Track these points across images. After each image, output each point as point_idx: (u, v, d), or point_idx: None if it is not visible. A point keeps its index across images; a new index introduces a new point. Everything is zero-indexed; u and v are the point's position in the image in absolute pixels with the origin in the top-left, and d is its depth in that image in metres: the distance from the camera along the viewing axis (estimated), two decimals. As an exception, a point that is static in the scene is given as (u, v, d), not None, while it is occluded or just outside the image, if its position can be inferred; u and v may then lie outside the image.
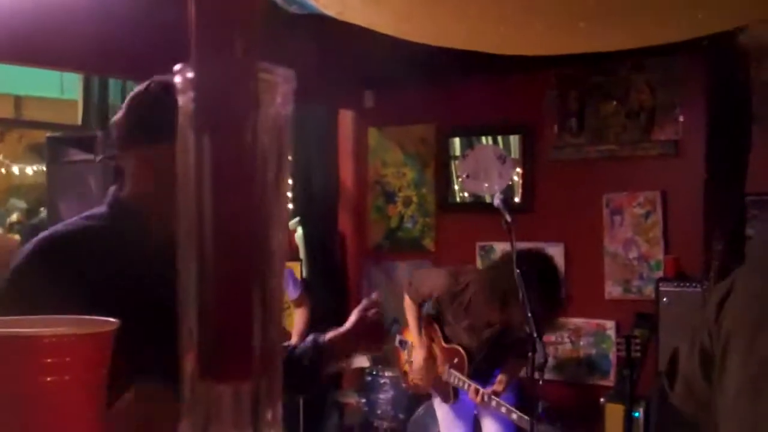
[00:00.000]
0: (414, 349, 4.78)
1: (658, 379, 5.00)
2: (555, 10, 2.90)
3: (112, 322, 0.87)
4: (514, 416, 4.40)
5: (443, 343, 4.72)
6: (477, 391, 4.52)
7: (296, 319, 5.58)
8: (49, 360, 0.79)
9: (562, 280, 4.41)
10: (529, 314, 3.69)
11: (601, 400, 5.24)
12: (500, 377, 4.59)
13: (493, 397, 4.50)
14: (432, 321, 4.75)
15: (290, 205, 6.83)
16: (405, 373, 4.94)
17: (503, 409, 4.47)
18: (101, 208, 1.94)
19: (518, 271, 3.81)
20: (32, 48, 4.93)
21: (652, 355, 5.00)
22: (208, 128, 0.52)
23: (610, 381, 5.78)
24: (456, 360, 4.64)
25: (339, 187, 6.93)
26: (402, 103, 6.67)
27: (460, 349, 4.62)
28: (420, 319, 4.72)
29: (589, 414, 5.47)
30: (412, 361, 4.80)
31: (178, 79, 0.54)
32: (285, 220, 0.58)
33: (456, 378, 4.63)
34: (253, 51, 0.53)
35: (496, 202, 4.24)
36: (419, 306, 4.72)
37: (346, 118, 6.97)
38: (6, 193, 11.22)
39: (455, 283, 4.55)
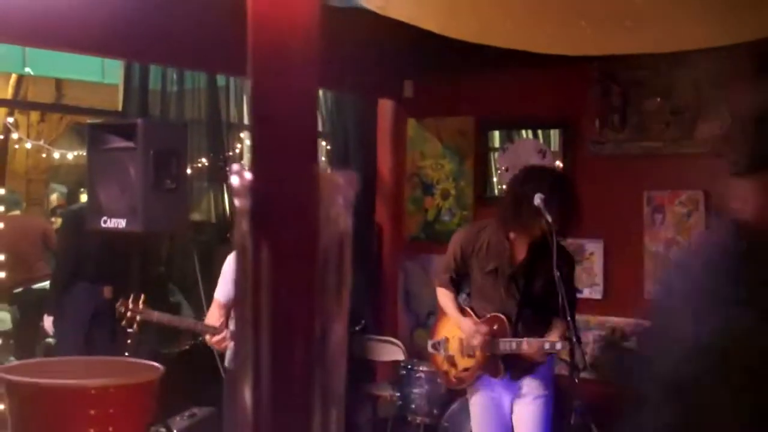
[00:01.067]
0: (453, 339, 4.64)
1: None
2: (602, 10, 2.85)
3: (157, 368, 0.85)
4: (578, 354, 4.21)
5: (477, 318, 4.56)
6: (531, 345, 4.33)
7: None
8: (93, 412, 0.77)
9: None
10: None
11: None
12: (552, 330, 4.41)
13: (553, 341, 4.32)
14: (464, 309, 4.65)
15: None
16: (446, 373, 4.73)
17: (564, 353, 4.37)
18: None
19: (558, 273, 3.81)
20: (74, 34, 4.96)
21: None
22: (268, 234, 0.50)
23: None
24: (497, 326, 4.45)
25: (376, 178, 6.90)
26: (442, 94, 6.62)
27: (498, 314, 4.46)
28: (455, 300, 4.67)
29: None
30: (451, 355, 4.65)
31: (235, 181, 0.52)
32: (345, 319, 0.55)
33: (504, 344, 4.41)
34: (313, 154, 0.50)
35: (537, 201, 4.21)
36: (451, 289, 4.66)
37: (385, 108, 6.93)
38: (46, 173, 11.33)
39: (470, 231, 4.65)
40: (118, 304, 4.76)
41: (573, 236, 4.97)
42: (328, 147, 6.84)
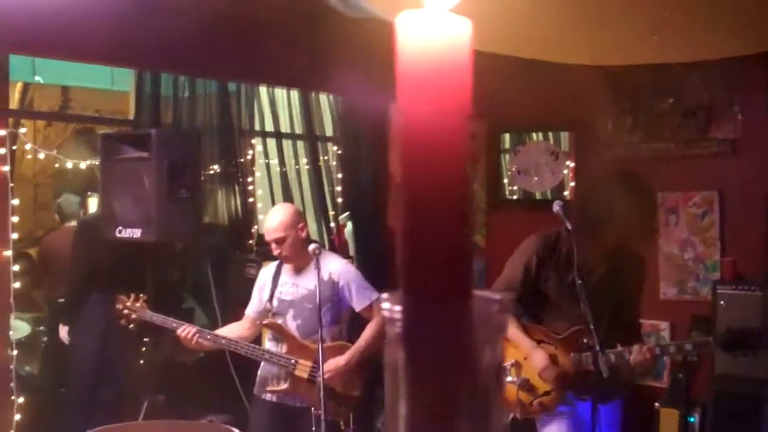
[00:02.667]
0: (523, 363, 4.16)
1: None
2: (626, 22, 2.84)
3: None
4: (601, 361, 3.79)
5: (558, 336, 4.16)
6: (640, 351, 3.95)
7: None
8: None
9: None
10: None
11: (656, 404, 5.17)
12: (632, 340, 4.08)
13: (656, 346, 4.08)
14: (529, 327, 4.23)
15: (339, 200, 6.81)
16: (520, 401, 4.13)
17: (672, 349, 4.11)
18: None
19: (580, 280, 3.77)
20: (85, 44, 4.96)
21: (707, 358, 4.94)
22: (418, 361, 0.49)
23: (663, 383, 5.70)
24: (584, 340, 3.97)
25: (388, 182, 6.88)
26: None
27: (580, 327, 3.98)
28: (520, 322, 4.21)
29: (640, 415, 5.41)
30: (527, 379, 4.14)
31: (386, 308, 0.52)
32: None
33: (588, 358, 3.99)
34: (467, 279, 0.49)
35: (556, 208, 4.14)
36: (514, 312, 4.19)
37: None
38: (53, 178, 11.29)
39: (548, 238, 4.21)
40: (117, 302, 4.72)
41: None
42: (340, 152, 6.82)
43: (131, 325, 4.72)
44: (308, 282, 4.40)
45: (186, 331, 4.44)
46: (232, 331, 4.62)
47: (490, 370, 0.54)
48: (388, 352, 0.53)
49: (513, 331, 4.12)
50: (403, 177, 0.53)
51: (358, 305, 4.48)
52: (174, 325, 4.57)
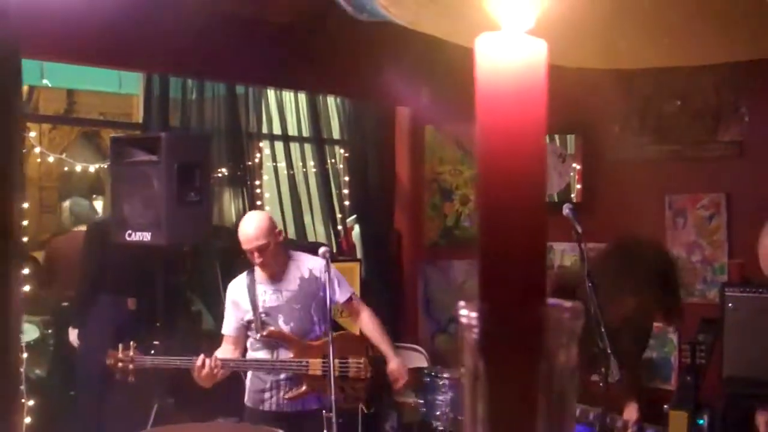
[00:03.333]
0: None
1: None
2: (639, 27, 2.86)
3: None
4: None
5: None
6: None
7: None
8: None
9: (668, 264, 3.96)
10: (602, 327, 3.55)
11: (665, 407, 5.18)
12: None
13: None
14: None
15: (347, 203, 6.83)
16: None
17: None
18: None
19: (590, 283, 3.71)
20: (91, 47, 4.97)
21: (716, 361, 4.95)
22: (495, 365, 0.51)
23: (671, 385, 5.71)
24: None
25: (395, 185, 6.91)
26: (458, 100, 6.60)
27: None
28: None
29: (649, 417, 5.42)
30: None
31: (464, 315, 0.53)
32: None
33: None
34: (541, 297, 0.51)
35: (566, 212, 4.16)
36: None
37: (403, 115, 6.94)
38: (58, 180, 11.32)
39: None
40: (107, 358, 4.45)
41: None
42: (347, 154, 6.83)
43: (131, 378, 4.44)
44: (289, 284, 4.45)
45: (203, 361, 4.32)
46: (225, 356, 4.49)
47: (565, 374, 0.56)
48: (466, 357, 0.55)
49: None
50: (482, 190, 0.54)
51: (342, 297, 4.58)
52: (179, 362, 4.49)
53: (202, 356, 4.32)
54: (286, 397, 4.45)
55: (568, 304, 0.57)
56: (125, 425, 4.91)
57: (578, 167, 6.32)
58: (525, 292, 0.54)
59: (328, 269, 4.30)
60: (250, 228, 4.35)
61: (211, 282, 5.98)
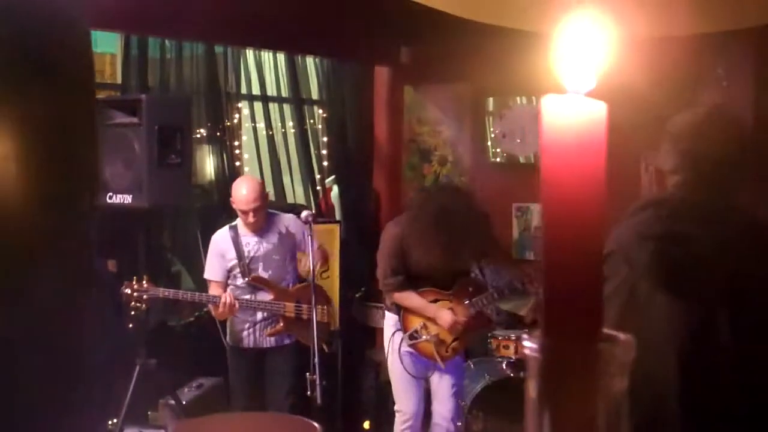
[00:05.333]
0: (429, 324, 5.01)
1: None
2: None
3: (314, 427, 0.89)
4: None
5: (448, 291, 5.03)
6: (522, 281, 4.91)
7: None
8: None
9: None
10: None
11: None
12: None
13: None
14: (423, 292, 5.03)
15: (325, 163, 6.84)
16: (439, 354, 5.05)
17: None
18: None
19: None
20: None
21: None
22: (552, 398, 0.55)
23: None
24: (471, 288, 5.02)
25: (374, 145, 6.92)
26: (438, 60, 6.61)
27: (466, 278, 5.05)
28: (418, 293, 5.01)
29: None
30: (436, 334, 5.01)
31: (528, 347, 0.58)
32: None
33: (483, 299, 4.99)
34: (596, 330, 0.55)
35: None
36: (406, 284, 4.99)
37: (382, 75, 6.93)
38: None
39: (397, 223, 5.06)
40: (123, 287, 4.90)
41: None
42: (325, 115, 6.83)
43: (144, 306, 4.93)
44: (270, 238, 5.14)
45: (225, 298, 4.91)
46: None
47: (617, 401, 0.60)
48: (530, 386, 0.59)
49: (415, 302, 5.00)
50: (547, 236, 0.58)
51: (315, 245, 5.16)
52: (188, 295, 5.15)
53: (228, 293, 4.98)
54: (268, 333, 5.16)
55: (621, 337, 0.61)
56: (107, 386, 4.95)
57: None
58: (584, 329, 0.58)
59: (311, 232, 4.82)
60: (251, 191, 4.98)
61: (192, 243, 5.99)
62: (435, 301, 5.03)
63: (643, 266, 2.22)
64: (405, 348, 5.08)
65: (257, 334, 5.19)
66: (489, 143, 6.72)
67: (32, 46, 0.68)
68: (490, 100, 6.66)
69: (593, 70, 0.59)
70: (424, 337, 5.02)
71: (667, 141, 2.54)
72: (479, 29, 5.68)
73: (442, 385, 5.14)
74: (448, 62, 6.55)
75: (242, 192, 4.99)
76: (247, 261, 5.07)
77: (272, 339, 5.19)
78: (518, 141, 6.48)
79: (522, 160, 6.51)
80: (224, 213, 6.06)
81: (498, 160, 6.61)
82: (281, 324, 5.14)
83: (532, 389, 0.60)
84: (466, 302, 4.99)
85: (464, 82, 6.59)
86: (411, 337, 5.04)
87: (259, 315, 5.16)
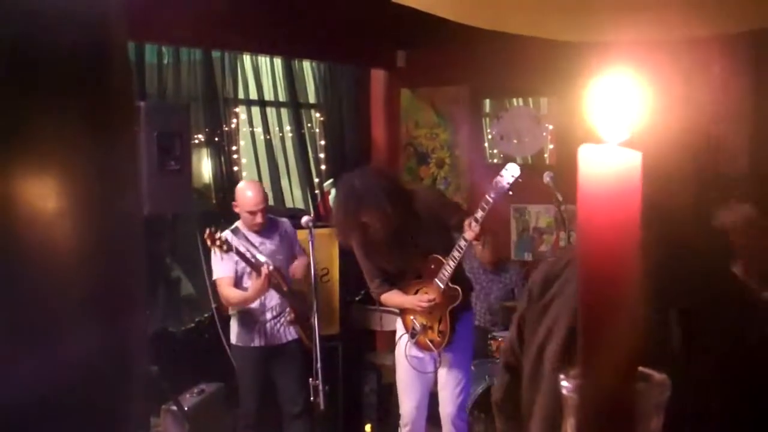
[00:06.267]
0: (416, 314, 5.00)
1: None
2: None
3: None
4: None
5: (420, 281, 5.00)
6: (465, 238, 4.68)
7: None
8: None
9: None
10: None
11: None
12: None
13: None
14: (404, 287, 5.04)
15: (323, 167, 6.85)
16: (431, 342, 5.04)
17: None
18: None
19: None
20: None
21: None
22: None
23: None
24: (433, 266, 4.89)
25: (371, 149, 6.94)
26: (434, 63, 6.64)
27: (434, 257, 4.88)
28: (402, 289, 5.02)
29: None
30: (421, 323, 5.01)
31: (565, 386, 0.60)
32: None
33: (444, 272, 4.84)
34: (632, 373, 0.57)
35: (546, 180, 4.31)
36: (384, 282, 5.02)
37: (378, 78, 6.95)
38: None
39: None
40: (205, 234, 5.10)
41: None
42: (322, 119, 6.84)
43: (224, 248, 5.04)
44: (273, 238, 5.35)
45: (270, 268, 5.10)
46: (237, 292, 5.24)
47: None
48: (567, 426, 0.61)
49: (396, 300, 5.02)
50: (582, 278, 0.60)
51: (300, 252, 5.50)
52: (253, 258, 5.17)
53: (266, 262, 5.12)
54: (288, 321, 5.31)
55: (656, 377, 0.63)
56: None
57: (550, 127, 6.39)
58: (620, 370, 0.60)
59: (311, 238, 4.77)
60: (256, 193, 5.20)
61: (191, 248, 6.00)
62: (417, 292, 5.02)
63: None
64: (411, 349, 5.08)
65: (268, 333, 5.32)
66: (486, 145, 6.75)
67: (79, 57, 0.70)
68: (487, 102, 6.69)
69: (628, 120, 0.61)
70: (418, 330, 5.05)
71: None
72: (475, 32, 5.72)
73: (445, 381, 5.12)
74: (444, 65, 6.57)
75: (249, 194, 5.19)
76: (260, 259, 5.17)
77: (283, 335, 5.35)
78: (515, 142, 6.51)
79: (519, 161, 6.53)
80: (223, 218, 6.08)
81: (495, 161, 6.63)
82: (292, 315, 5.30)
83: (569, 428, 0.62)
84: (435, 280, 4.91)
85: (461, 85, 6.62)
86: (412, 335, 5.07)
87: (269, 314, 5.29)
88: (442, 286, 4.89)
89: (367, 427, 6.16)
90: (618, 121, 0.61)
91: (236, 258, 5.12)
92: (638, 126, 0.61)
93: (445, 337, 5.01)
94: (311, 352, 4.74)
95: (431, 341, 5.04)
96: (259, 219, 5.19)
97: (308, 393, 4.66)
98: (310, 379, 4.51)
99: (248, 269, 5.16)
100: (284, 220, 5.50)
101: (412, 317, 5.05)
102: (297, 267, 5.44)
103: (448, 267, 4.82)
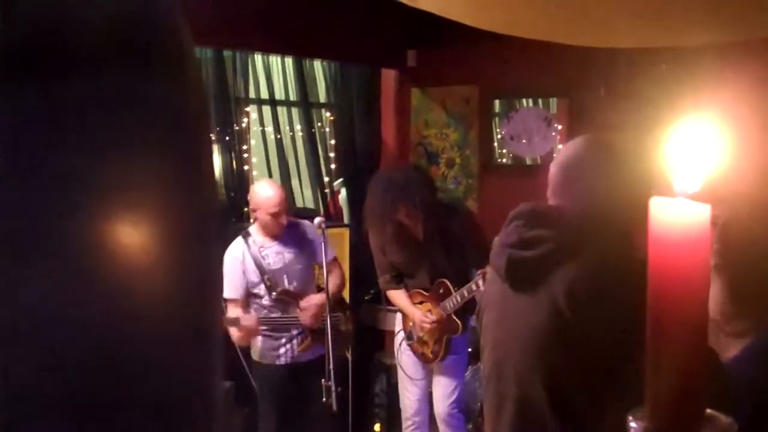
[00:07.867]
0: (418, 326, 5.08)
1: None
2: (637, 5, 2.90)
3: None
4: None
5: (426, 293, 5.08)
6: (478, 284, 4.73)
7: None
8: None
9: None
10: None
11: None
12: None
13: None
14: (412, 294, 5.16)
15: (333, 166, 6.86)
16: (424, 354, 5.17)
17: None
18: None
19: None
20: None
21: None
22: None
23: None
24: (441, 290, 4.99)
25: (381, 148, 6.94)
26: (445, 63, 6.64)
27: (441, 279, 4.99)
28: (406, 294, 5.14)
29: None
30: (419, 336, 5.13)
31: (633, 427, 0.62)
32: None
33: (451, 301, 4.93)
34: (700, 413, 0.59)
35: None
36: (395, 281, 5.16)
37: (389, 78, 6.95)
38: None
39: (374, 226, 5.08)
40: None
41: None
42: (333, 118, 6.85)
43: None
44: (290, 246, 4.89)
45: (251, 318, 4.73)
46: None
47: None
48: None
49: (401, 302, 5.14)
50: (653, 324, 0.63)
51: (329, 256, 4.96)
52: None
53: (251, 314, 4.75)
54: (299, 349, 4.94)
55: (723, 419, 0.64)
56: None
57: (560, 127, 6.39)
58: (688, 414, 0.61)
59: (324, 239, 4.72)
60: (277, 194, 4.77)
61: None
62: (420, 302, 5.12)
63: (503, 270, 2.56)
64: (404, 348, 5.17)
65: (294, 350, 4.96)
66: (495, 145, 6.75)
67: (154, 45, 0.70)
68: (497, 102, 6.68)
69: (702, 173, 0.62)
70: (414, 337, 5.15)
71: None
72: (486, 33, 5.71)
73: (438, 388, 5.21)
74: (454, 65, 6.58)
75: (269, 194, 4.76)
76: (269, 275, 4.79)
77: (306, 354, 4.95)
78: (525, 142, 6.50)
79: (529, 161, 6.54)
80: (233, 217, 6.09)
81: (505, 161, 6.64)
82: (309, 338, 4.93)
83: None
84: (442, 304, 5.01)
85: (471, 85, 6.62)
86: (408, 336, 5.14)
87: (294, 330, 4.94)
88: (444, 314, 4.99)
89: (377, 427, 6.17)
90: (692, 173, 0.62)
91: (249, 273, 4.79)
92: (712, 177, 0.62)
93: (437, 356, 5.12)
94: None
95: (423, 355, 5.16)
96: (283, 220, 4.79)
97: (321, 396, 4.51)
98: (323, 381, 4.49)
99: (262, 285, 4.81)
100: (305, 222, 5.05)
101: (411, 323, 5.15)
102: (308, 305, 4.91)
103: (457, 299, 4.91)
